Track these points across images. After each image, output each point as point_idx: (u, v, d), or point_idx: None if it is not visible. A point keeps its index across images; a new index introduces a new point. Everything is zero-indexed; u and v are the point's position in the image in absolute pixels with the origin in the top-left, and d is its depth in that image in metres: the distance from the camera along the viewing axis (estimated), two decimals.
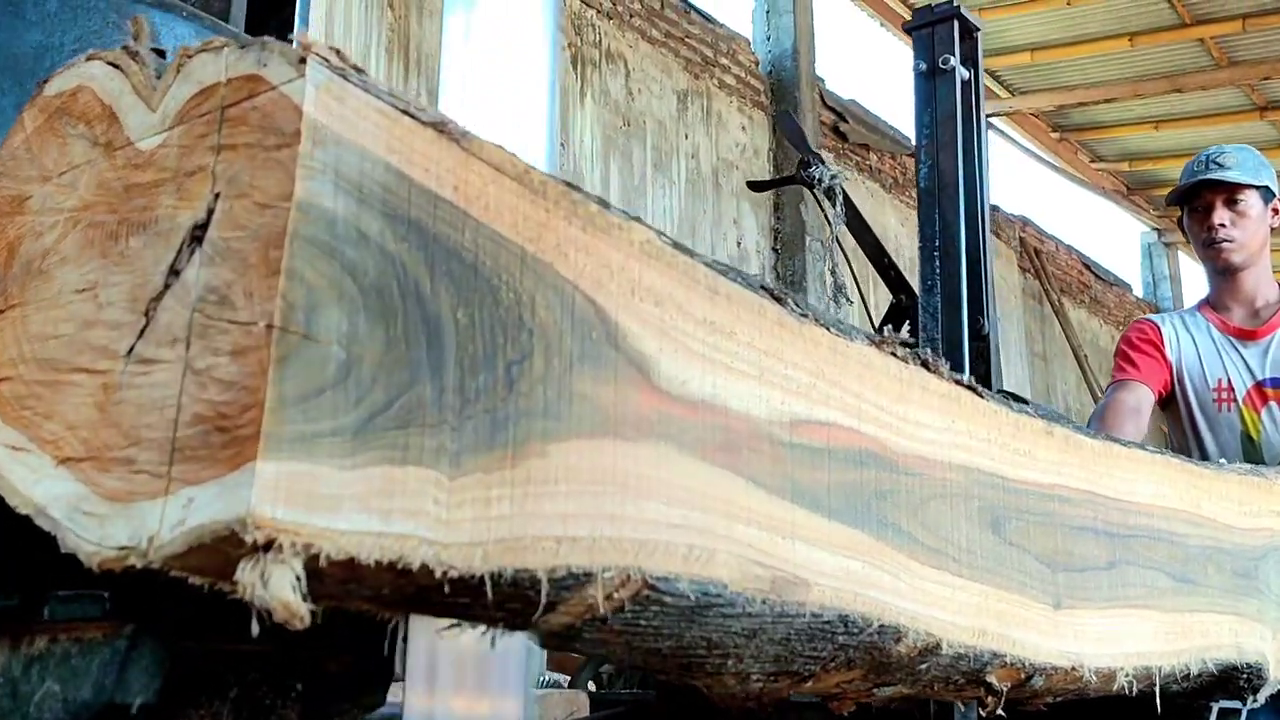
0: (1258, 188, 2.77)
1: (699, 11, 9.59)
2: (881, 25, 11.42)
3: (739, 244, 9.35)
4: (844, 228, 2.36)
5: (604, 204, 0.87)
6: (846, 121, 10.76)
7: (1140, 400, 2.67)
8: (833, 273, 2.46)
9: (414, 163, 0.73)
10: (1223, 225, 2.72)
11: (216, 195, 0.70)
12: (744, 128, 9.58)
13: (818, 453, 1.02)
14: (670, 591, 0.87)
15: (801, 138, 2.55)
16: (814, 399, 1.03)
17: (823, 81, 10.38)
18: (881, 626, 1.07)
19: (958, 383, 1.23)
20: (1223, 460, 2.01)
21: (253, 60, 0.70)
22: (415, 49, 8.13)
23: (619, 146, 8.62)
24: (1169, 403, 2.78)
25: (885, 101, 11.92)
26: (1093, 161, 14.46)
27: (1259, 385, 2.68)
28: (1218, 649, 1.70)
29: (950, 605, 1.16)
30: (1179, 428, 2.77)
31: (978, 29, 2.30)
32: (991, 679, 1.25)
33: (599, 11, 8.73)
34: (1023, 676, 1.29)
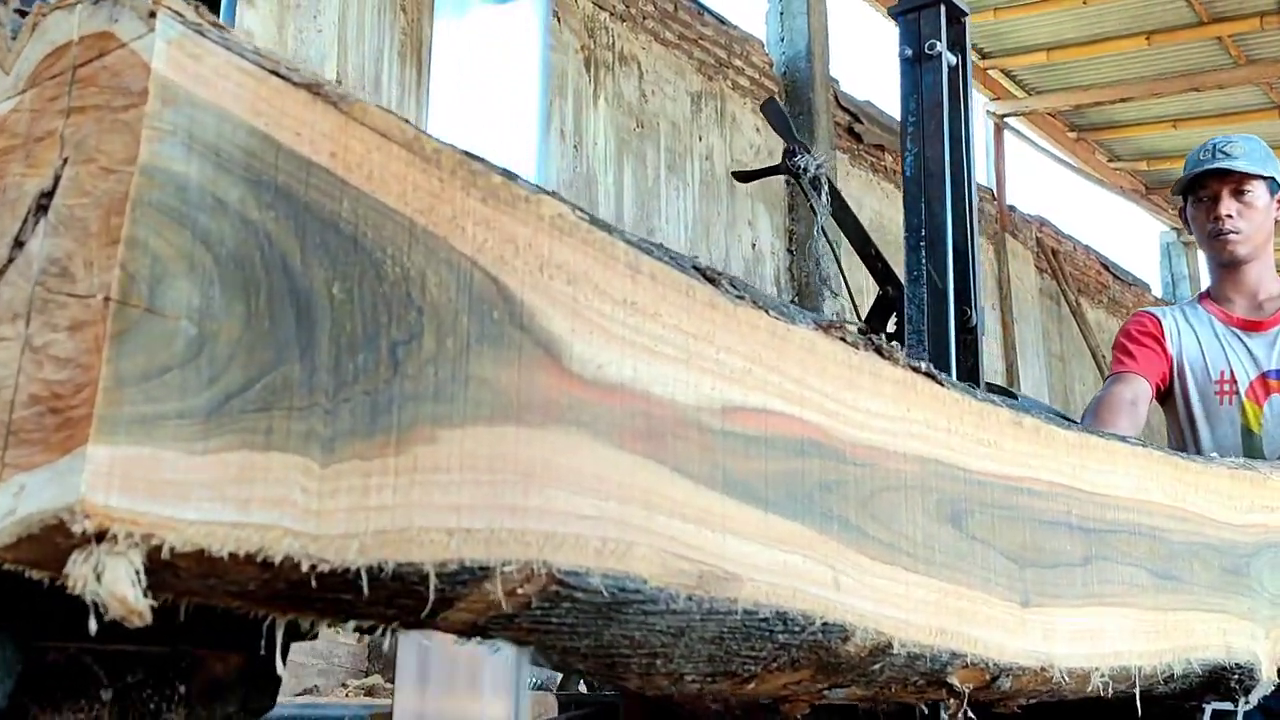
0: (1265, 178, 2.69)
1: (712, 13, 9.55)
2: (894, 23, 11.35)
3: (753, 245, 9.33)
4: (830, 219, 2.30)
5: (510, 175, 0.81)
6: (861, 122, 10.71)
7: (1137, 393, 2.59)
8: (818, 264, 2.39)
9: (284, 126, 0.68)
10: (1229, 216, 2.65)
11: (65, 161, 0.64)
12: (758, 129, 9.55)
13: (754, 441, 0.96)
14: (581, 586, 0.81)
15: (787, 126, 2.49)
16: (750, 385, 0.97)
17: (837, 83, 10.34)
18: (826, 624, 1.01)
19: (914, 369, 1.17)
20: (1214, 454, 1.95)
21: (105, 16, 0.65)
22: (428, 53, 8.10)
23: (633, 148, 8.62)
24: (1167, 397, 2.71)
25: (899, 102, 11.83)
26: (1110, 161, 14.34)
27: (1264, 376, 2.60)
28: (1204, 649, 1.63)
29: (904, 603, 1.10)
30: (1176, 422, 2.70)
31: (965, 13, 2.24)
32: (953, 680, 1.19)
33: (612, 14, 8.69)
34: (988, 677, 1.23)
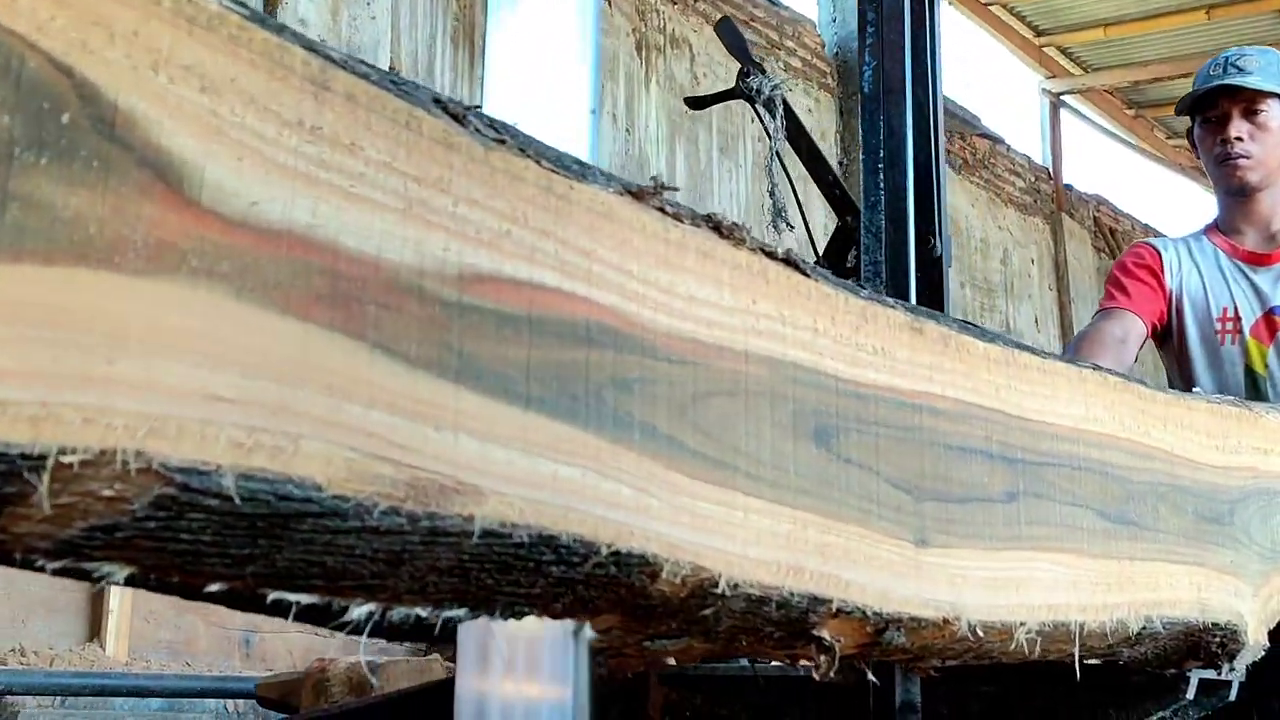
0: None
1: None
2: (949, 2, 11.08)
3: (806, 227, 9.18)
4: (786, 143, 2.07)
5: None
6: None
7: (1127, 331, 2.32)
8: (771, 194, 2.17)
9: None
10: (1239, 139, 2.36)
11: None
12: (810, 110, 9.38)
13: (511, 321, 0.75)
14: (208, 490, 0.60)
15: (742, 46, 2.26)
16: (508, 251, 0.75)
17: None
18: (617, 555, 0.79)
19: (766, 253, 0.95)
20: (1198, 391, 1.70)
21: None
22: (480, 38, 7.94)
23: (685, 131, 8.46)
24: (1165, 337, 2.44)
25: (953, 82, 11.55)
26: (1169, 138, 13.89)
27: (1270, 313, 2.32)
28: (1171, 605, 1.39)
29: (741, 533, 0.88)
30: (1174, 364, 2.43)
31: None
32: (822, 633, 0.97)
33: None
34: (869, 630, 1.01)
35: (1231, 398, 1.67)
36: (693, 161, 8.45)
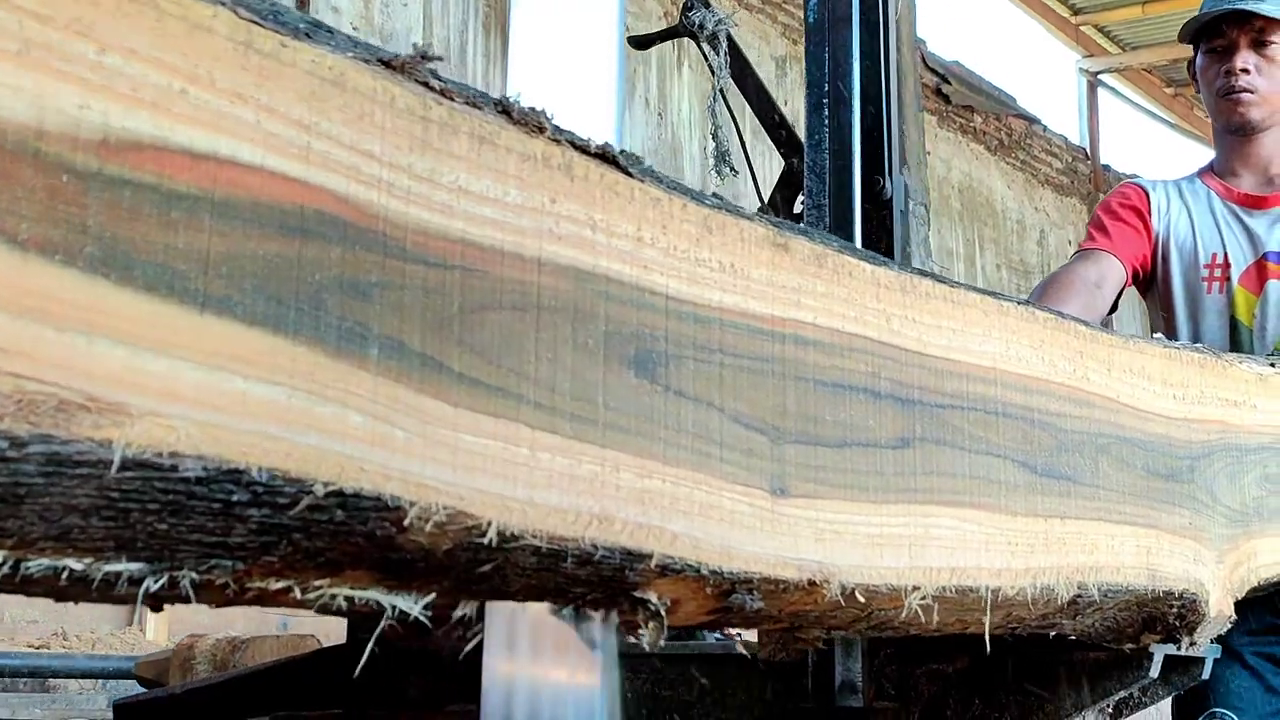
0: None
1: None
2: None
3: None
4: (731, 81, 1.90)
5: None
6: (949, 83, 10.30)
7: (1104, 274, 2.11)
8: (714, 136, 2.00)
9: None
10: (1245, 71, 2.14)
11: None
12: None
13: (182, 202, 0.59)
14: None
15: None
16: (183, 115, 0.60)
17: (924, 43, 9.97)
18: (341, 496, 0.64)
19: (575, 146, 0.79)
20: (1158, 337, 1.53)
21: None
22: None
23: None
24: (1150, 284, 2.24)
25: (989, 62, 11.33)
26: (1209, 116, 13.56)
27: (1263, 259, 2.11)
28: (1113, 571, 1.23)
29: (524, 475, 0.73)
30: (1156, 314, 2.23)
31: None
32: (647, 595, 0.82)
33: None
34: (709, 591, 0.85)
35: (1198, 345, 1.49)
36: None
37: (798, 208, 1.87)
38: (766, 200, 1.95)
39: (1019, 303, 1.17)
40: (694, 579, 0.83)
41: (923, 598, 0.98)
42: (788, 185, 1.91)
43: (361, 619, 1.22)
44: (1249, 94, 2.15)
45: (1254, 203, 2.14)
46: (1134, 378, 1.31)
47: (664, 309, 0.83)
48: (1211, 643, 1.52)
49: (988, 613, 1.06)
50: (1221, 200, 2.17)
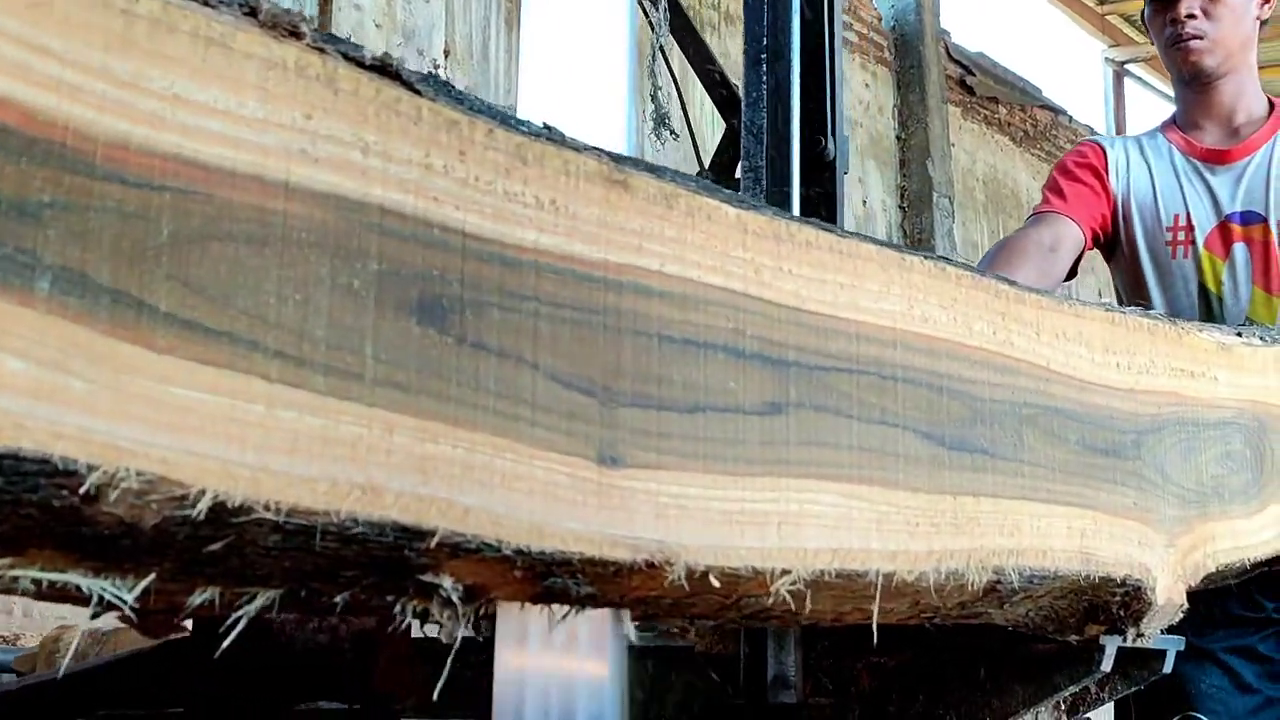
0: None
1: None
2: None
3: (864, 202, 8.99)
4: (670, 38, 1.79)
5: None
6: (973, 74, 10.16)
7: (1059, 237, 1.96)
8: (654, 98, 1.89)
9: None
10: (1191, 16, 1.98)
11: None
12: (867, 85, 9.18)
13: None
14: None
15: None
16: None
17: (948, 35, 9.87)
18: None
19: (347, 57, 0.68)
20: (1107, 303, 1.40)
21: None
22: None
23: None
24: (1113, 249, 2.09)
25: (1014, 53, 11.14)
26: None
27: (1225, 222, 1.96)
28: (1038, 554, 1.11)
29: (256, 436, 0.61)
30: (1123, 281, 2.09)
31: None
32: (440, 578, 0.70)
33: None
34: (519, 574, 0.74)
35: (1149, 310, 1.37)
36: None
37: (740, 172, 1.75)
38: (708, 165, 1.83)
39: (928, 258, 1.05)
40: (496, 560, 0.71)
41: (794, 582, 0.87)
42: (729, 146, 1.79)
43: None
44: (1198, 40, 2.00)
45: (1216, 158, 1.99)
46: (1069, 343, 1.19)
47: (460, 249, 0.71)
48: (1170, 634, 1.39)
49: (877, 599, 0.94)
50: (1183, 156, 2.02)
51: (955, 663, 1.52)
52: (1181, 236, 2.00)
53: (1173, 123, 2.11)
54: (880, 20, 9.42)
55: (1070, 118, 12.07)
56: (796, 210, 1.63)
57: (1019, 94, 10.81)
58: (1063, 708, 1.61)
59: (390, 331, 0.67)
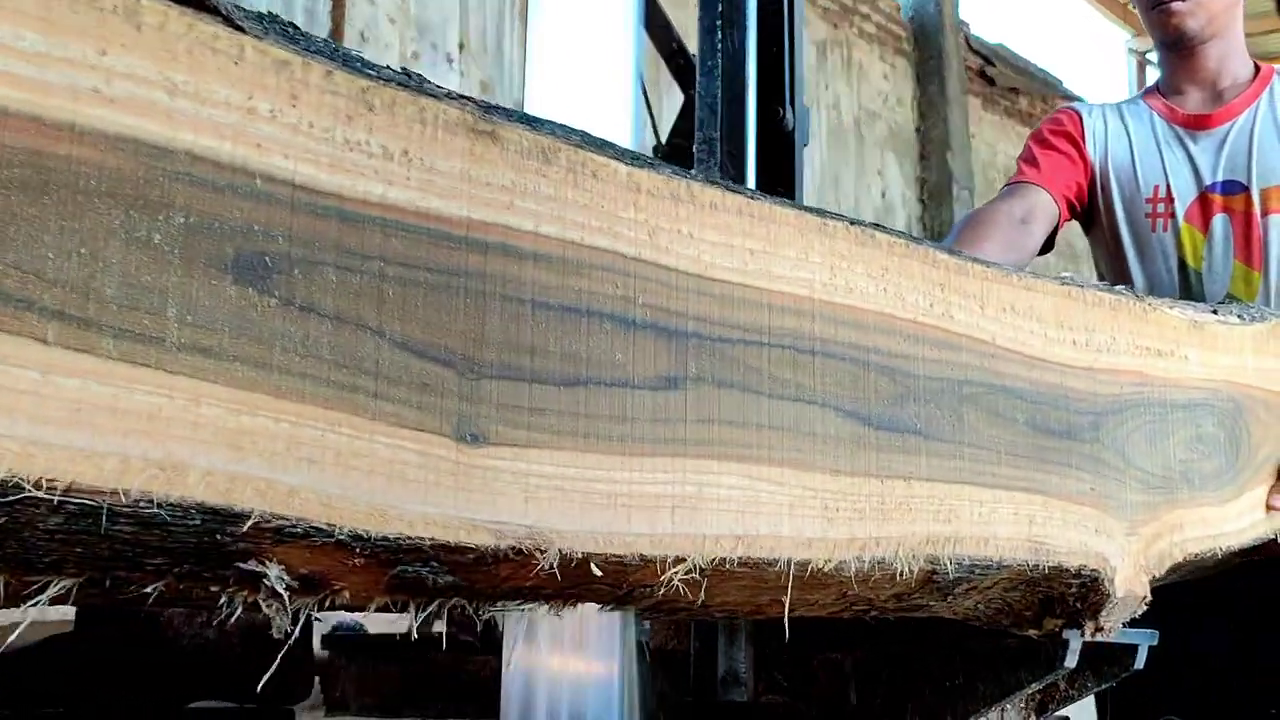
0: None
1: None
2: None
3: (883, 195, 8.92)
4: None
5: None
6: (994, 65, 10.07)
7: (1031, 209, 1.86)
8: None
9: None
10: None
11: None
12: (886, 76, 9.12)
13: None
14: None
15: None
16: None
17: (967, 26, 9.78)
18: None
19: None
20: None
21: None
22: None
23: None
24: (1091, 221, 2.00)
25: (1034, 42, 11.02)
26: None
27: (1206, 193, 1.86)
28: (979, 543, 1.04)
29: (35, 407, 0.54)
30: (1104, 254, 2.00)
31: None
32: (266, 567, 0.64)
33: None
34: (359, 562, 0.67)
35: (1111, 285, 1.29)
36: None
37: (695, 144, 1.68)
38: (665, 139, 1.76)
39: (855, 224, 0.98)
40: (331, 547, 0.65)
41: (689, 571, 0.80)
42: (687, 120, 1.72)
43: (90, 605, 1.04)
44: (1180, 2, 1.91)
45: (1197, 123, 1.89)
46: (1018, 318, 1.12)
47: (289, 201, 0.64)
48: (1134, 628, 1.32)
49: (789, 590, 0.87)
50: (1165, 122, 1.92)
51: (916, 659, 1.45)
52: (1161, 209, 1.91)
53: (1155, 89, 2.01)
54: (899, 11, 9.35)
55: None
56: (753, 184, 1.56)
57: (1040, 84, 10.70)
58: (1031, 705, 1.54)
59: (200, 291, 0.60)
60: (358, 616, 2.46)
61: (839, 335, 0.93)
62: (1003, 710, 1.51)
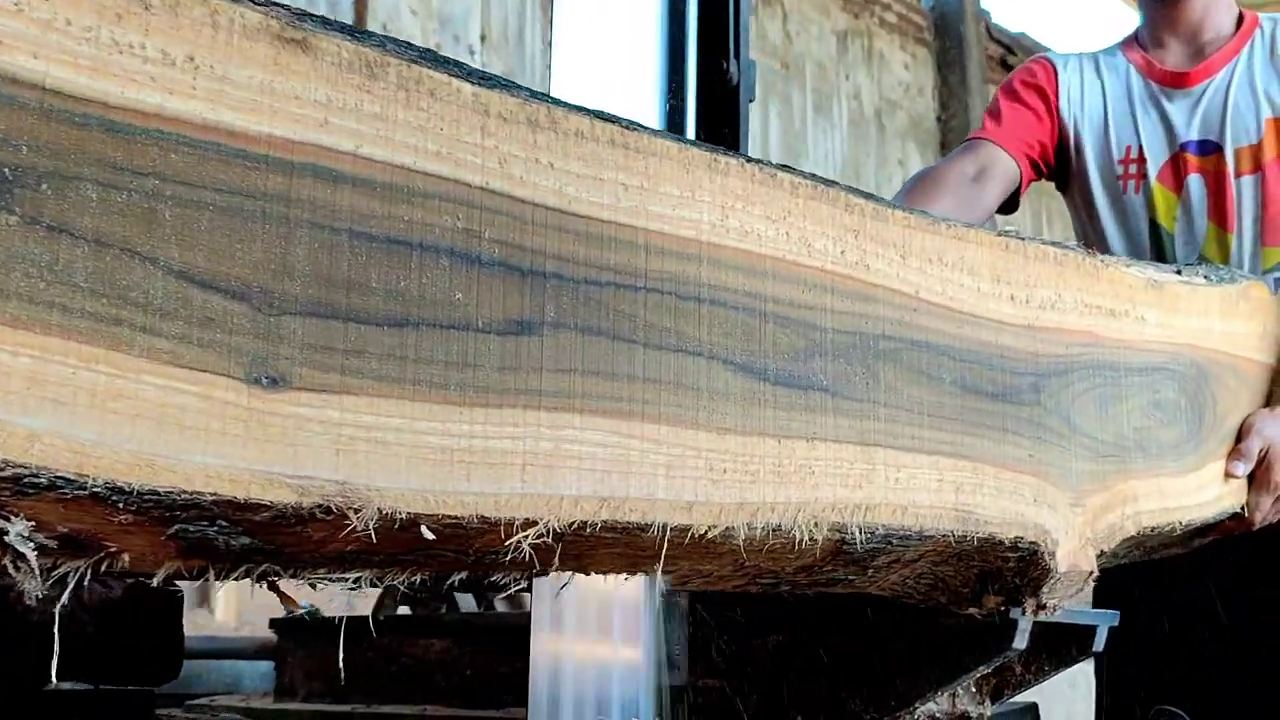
0: None
1: None
2: None
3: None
4: None
5: None
6: (1015, 54, 9.97)
7: (985, 167, 1.75)
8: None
9: None
10: None
11: None
12: (907, 66, 9.05)
13: None
14: None
15: None
16: None
17: (988, 15, 9.69)
18: None
19: None
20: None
21: None
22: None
23: (778, 91, 8.11)
24: (1064, 182, 1.90)
25: (1056, 31, 10.90)
26: None
27: (1180, 151, 1.76)
28: (896, 511, 0.95)
29: None
30: (1076, 216, 1.89)
31: None
32: (10, 523, 0.56)
33: None
34: (127, 519, 0.59)
35: (1057, 241, 1.20)
36: (786, 121, 8.20)
37: None
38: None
39: (753, 161, 0.89)
40: (87, 500, 0.56)
41: (540, 535, 0.71)
42: None
43: None
44: None
45: (1176, 81, 1.78)
46: (946, 269, 1.03)
47: (37, 107, 0.56)
48: (1078, 607, 1.23)
49: (660, 558, 0.79)
50: (1142, 78, 1.81)
51: (858, 642, 1.36)
52: (1133, 170, 1.81)
53: (1134, 39, 1.90)
54: (919, 0, 9.30)
55: None
56: (691, 131, 1.48)
57: None
58: (985, 690, 1.46)
59: None
60: (316, 598, 2.38)
61: (731, 282, 0.85)
62: (953, 695, 1.42)
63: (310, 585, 0.73)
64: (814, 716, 1.38)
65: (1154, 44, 1.83)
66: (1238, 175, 1.71)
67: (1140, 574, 1.72)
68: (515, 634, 1.47)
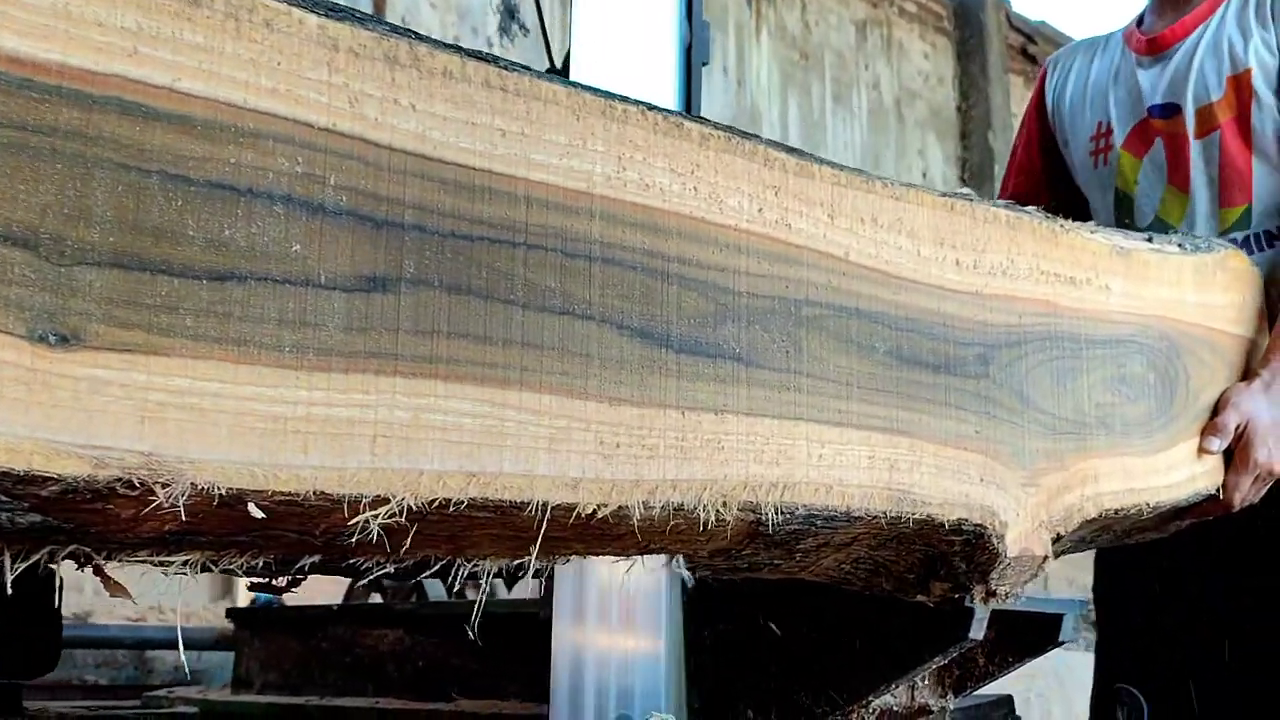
0: None
1: None
2: None
3: (924, 175, 8.82)
4: None
5: None
6: (1035, 44, 9.89)
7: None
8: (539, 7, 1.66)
9: None
10: None
11: None
12: (926, 55, 9.02)
13: None
14: None
15: None
16: None
17: (1009, 3, 9.63)
18: None
19: None
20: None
21: None
22: None
23: (797, 81, 8.10)
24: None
25: (1077, 20, 10.79)
26: None
27: (1146, 118, 1.69)
28: (819, 490, 0.87)
29: None
30: (1070, 203, 1.83)
31: None
32: None
33: None
34: None
35: (1009, 202, 1.12)
36: (805, 111, 8.17)
37: None
38: (560, 63, 1.60)
39: (655, 109, 0.82)
40: None
41: (391, 515, 0.64)
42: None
43: None
44: None
45: (1151, 47, 1.70)
46: (880, 231, 0.95)
47: None
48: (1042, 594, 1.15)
49: (537, 541, 0.71)
50: (1128, 50, 1.75)
51: (812, 631, 1.29)
52: (1102, 144, 1.75)
53: (1141, 16, 1.83)
54: None
55: None
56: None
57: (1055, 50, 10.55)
58: (948, 683, 1.38)
59: None
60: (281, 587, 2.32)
61: (627, 239, 0.78)
62: (912, 687, 1.35)
63: (234, 573, 0.66)
64: (764, 711, 1.31)
65: (1153, 14, 1.77)
66: (1198, 136, 1.64)
67: (1129, 556, 1.65)
68: (463, 624, 1.41)
